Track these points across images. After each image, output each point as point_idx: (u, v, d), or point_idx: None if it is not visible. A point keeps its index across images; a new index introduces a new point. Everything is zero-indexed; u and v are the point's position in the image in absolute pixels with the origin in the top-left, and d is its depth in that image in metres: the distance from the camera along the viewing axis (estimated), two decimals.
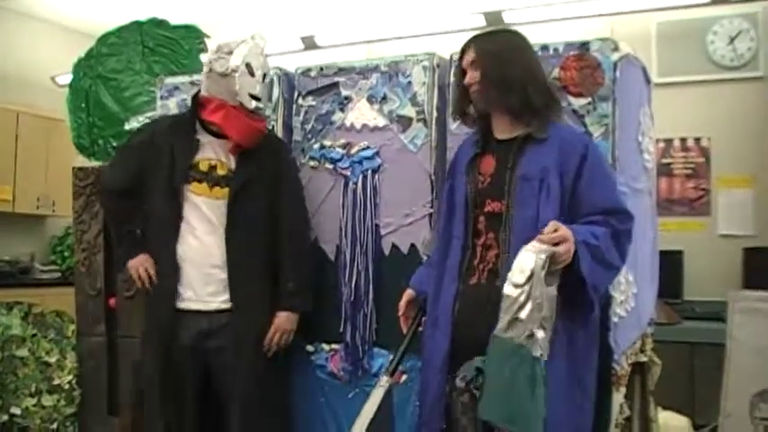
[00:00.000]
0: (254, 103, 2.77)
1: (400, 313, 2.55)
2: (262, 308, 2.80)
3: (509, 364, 1.93)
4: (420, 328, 2.50)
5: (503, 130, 2.36)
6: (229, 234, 2.77)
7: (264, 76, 2.85)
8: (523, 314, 1.91)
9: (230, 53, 2.76)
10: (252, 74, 2.77)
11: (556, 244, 2.00)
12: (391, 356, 2.78)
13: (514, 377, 1.93)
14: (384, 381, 2.37)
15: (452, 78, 2.66)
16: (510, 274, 1.97)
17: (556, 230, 2.02)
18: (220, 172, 2.81)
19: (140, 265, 2.82)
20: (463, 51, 2.41)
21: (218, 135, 2.81)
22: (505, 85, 2.28)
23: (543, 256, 1.95)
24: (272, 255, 2.85)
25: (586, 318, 2.20)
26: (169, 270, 2.78)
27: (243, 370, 2.74)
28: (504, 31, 2.52)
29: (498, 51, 2.33)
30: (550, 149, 2.24)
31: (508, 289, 1.95)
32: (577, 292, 2.09)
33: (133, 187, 2.86)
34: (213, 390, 2.81)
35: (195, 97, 2.88)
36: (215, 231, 2.78)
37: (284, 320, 2.83)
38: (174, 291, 2.76)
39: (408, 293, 2.55)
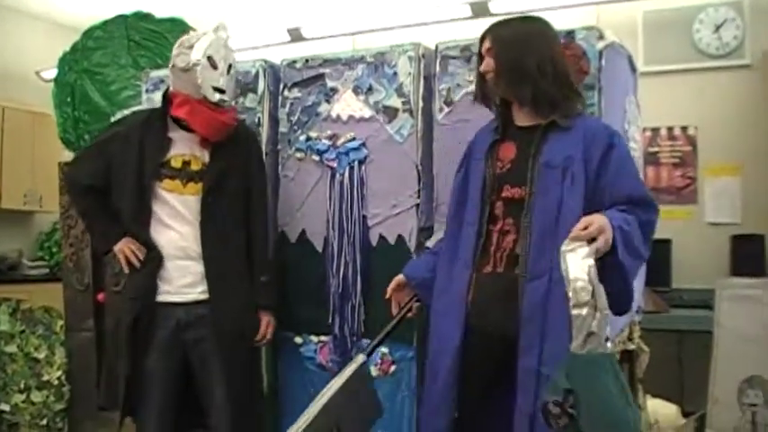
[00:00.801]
0: (217, 96, 2.76)
1: (387, 296, 2.55)
2: (239, 297, 2.80)
3: (596, 377, 1.89)
4: (410, 314, 2.50)
5: (523, 117, 2.33)
6: (204, 227, 2.76)
7: (230, 67, 2.83)
8: (596, 327, 1.88)
9: (191, 47, 2.75)
10: (214, 66, 2.75)
11: (593, 239, 1.96)
12: (381, 348, 2.81)
13: (605, 387, 1.89)
14: (359, 358, 2.35)
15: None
16: (570, 293, 1.89)
17: (587, 227, 1.97)
18: (194, 167, 2.80)
19: (125, 246, 2.79)
20: (483, 37, 2.38)
21: (189, 129, 2.80)
22: (517, 76, 2.25)
23: (591, 261, 1.91)
24: (246, 246, 2.86)
25: (624, 312, 2.15)
26: (144, 262, 2.77)
27: (224, 360, 2.74)
28: (526, 18, 2.45)
29: (513, 40, 2.29)
30: (575, 138, 2.21)
31: (575, 310, 1.89)
32: (613, 283, 2.01)
33: (100, 183, 2.83)
34: (192, 381, 2.80)
35: (165, 93, 2.87)
36: (189, 224, 2.77)
37: (268, 320, 2.86)
38: (152, 283, 2.75)
39: (398, 278, 2.54)
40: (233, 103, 2.97)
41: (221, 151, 2.82)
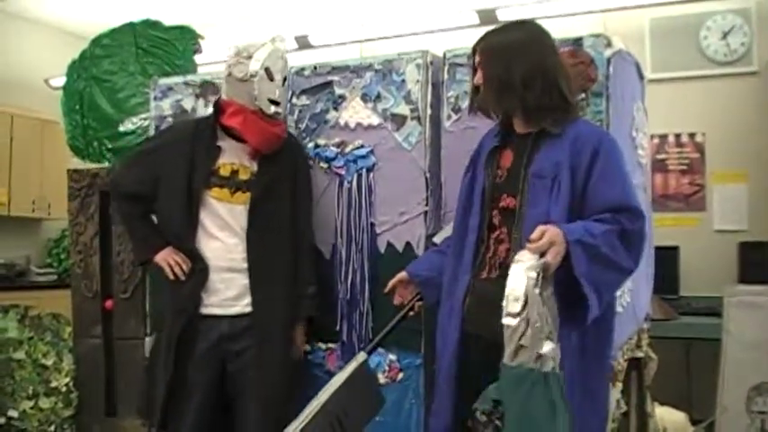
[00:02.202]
0: (272, 108, 2.76)
1: (387, 290, 2.56)
2: (283, 310, 2.80)
3: (522, 391, 1.87)
4: (412, 313, 2.50)
5: (520, 124, 2.31)
6: (250, 238, 2.75)
7: (285, 79, 2.84)
8: (526, 341, 1.85)
9: (249, 57, 2.74)
10: (271, 78, 2.75)
11: (544, 252, 1.92)
12: (389, 356, 2.81)
13: (530, 403, 1.86)
14: (360, 356, 2.37)
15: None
16: (505, 303, 1.88)
17: (542, 235, 1.93)
18: (242, 176, 2.80)
19: (169, 256, 2.78)
20: (474, 49, 2.35)
21: (239, 139, 2.79)
22: (502, 88, 2.23)
23: (533, 274, 1.87)
24: (292, 257, 2.85)
25: (589, 321, 2.07)
26: (188, 274, 2.77)
27: (267, 373, 2.72)
28: (518, 25, 2.38)
29: (499, 52, 2.25)
30: (564, 145, 2.18)
31: (506, 320, 1.87)
32: (575, 294, 2.00)
33: (145, 192, 2.84)
34: (225, 391, 2.79)
35: (217, 102, 2.86)
36: (236, 235, 2.76)
37: (301, 334, 2.88)
38: (197, 296, 2.75)
39: (401, 275, 2.55)
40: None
41: (270, 162, 2.81)
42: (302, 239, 2.88)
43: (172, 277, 2.78)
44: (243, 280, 2.75)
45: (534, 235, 1.94)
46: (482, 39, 2.34)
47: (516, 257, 1.93)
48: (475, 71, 2.34)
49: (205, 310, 2.75)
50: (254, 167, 2.81)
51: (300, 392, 3.04)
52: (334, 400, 2.23)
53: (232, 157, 2.81)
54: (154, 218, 2.93)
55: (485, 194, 2.32)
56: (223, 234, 2.77)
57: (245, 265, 2.75)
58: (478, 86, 2.32)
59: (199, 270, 2.75)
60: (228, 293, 2.75)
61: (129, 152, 3.34)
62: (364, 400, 2.38)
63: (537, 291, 1.86)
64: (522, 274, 1.87)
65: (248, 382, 2.74)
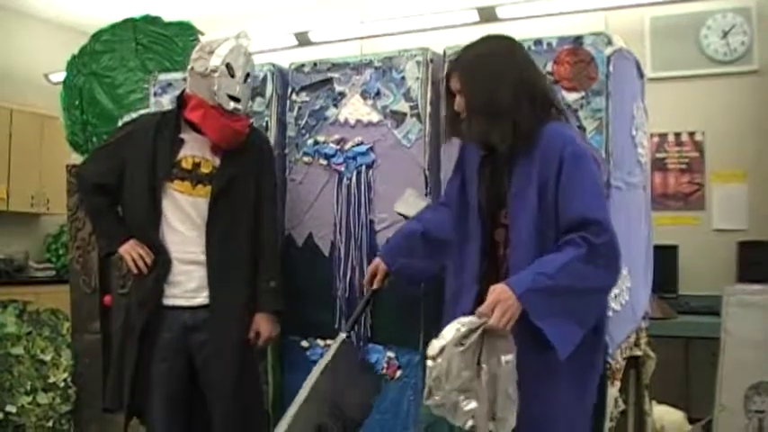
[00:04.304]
0: (232, 104, 2.75)
1: (366, 281, 2.58)
2: (240, 306, 2.80)
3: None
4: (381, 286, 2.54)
5: None
6: (210, 231, 2.76)
7: (248, 75, 2.83)
8: (436, 385, 1.92)
9: (211, 53, 2.75)
10: (232, 75, 2.75)
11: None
12: (387, 353, 2.81)
13: None
14: (340, 336, 2.41)
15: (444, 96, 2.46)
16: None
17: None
18: (204, 170, 2.80)
19: (132, 249, 2.78)
20: (449, 74, 2.29)
21: (202, 132, 2.80)
22: (493, 115, 2.14)
23: (463, 329, 1.92)
24: (252, 252, 2.85)
25: (567, 351, 2.02)
26: (151, 266, 2.78)
27: (223, 369, 2.74)
28: (489, 43, 2.29)
29: (483, 76, 2.18)
30: (535, 158, 2.13)
31: (427, 360, 1.95)
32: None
33: (110, 183, 2.84)
34: (198, 383, 2.81)
35: (180, 95, 2.87)
36: (196, 228, 2.77)
37: (266, 323, 2.82)
38: (160, 288, 2.76)
39: (381, 268, 2.55)
40: (252, 109, 2.97)
41: (232, 157, 2.81)
42: (264, 236, 2.87)
43: (135, 271, 2.79)
44: (202, 272, 2.76)
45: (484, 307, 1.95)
46: (458, 63, 2.28)
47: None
48: (452, 95, 2.28)
49: (168, 302, 2.76)
50: (217, 162, 2.81)
51: (299, 388, 3.05)
52: (322, 385, 2.23)
53: (194, 150, 2.81)
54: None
55: (481, 208, 2.29)
56: (184, 227, 2.78)
57: (204, 258, 2.76)
58: (458, 113, 2.26)
59: (161, 262, 2.76)
60: (189, 285, 2.76)
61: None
62: (358, 379, 2.38)
63: (458, 348, 1.91)
64: (456, 325, 1.94)
65: (210, 375, 2.76)
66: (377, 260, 2.59)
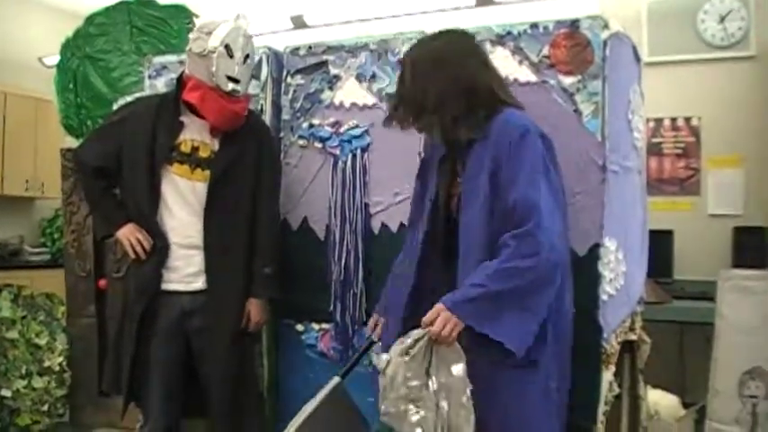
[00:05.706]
0: (230, 86, 2.73)
1: (373, 335, 2.56)
2: (237, 291, 2.80)
3: None
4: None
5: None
6: (208, 216, 2.75)
7: (247, 57, 2.80)
8: (385, 395, 1.97)
9: (209, 34, 2.73)
10: (231, 56, 2.73)
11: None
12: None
13: None
14: (334, 380, 2.37)
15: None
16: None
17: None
18: (203, 154, 2.79)
19: (131, 233, 2.77)
20: (402, 60, 2.34)
21: (201, 116, 2.78)
22: (418, 109, 2.21)
23: (408, 341, 1.97)
24: (250, 238, 2.84)
25: (526, 342, 2.03)
26: (150, 252, 2.77)
27: (218, 352, 2.75)
28: (439, 37, 2.32)
29: (419, 71, 2.22)
30: (488, 145, 2.14)
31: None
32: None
33: (109, 166, 2.82)
34: (195, 366, 2.82)
35: (180, 77, 2.85)
36: (195, 213, 2.76)
37: (257, 308, 2.82)
38: (159, 274, 2.75)
39: (382, 322, 2.54)
40: (250, 91, 2.94)
41: (231, 141, 2.80)
42: (263, 220, 2.86)
43: (133, 256, 2.78)
44: (202, 257, 2.76)
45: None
46: (408, 52, 2.32)
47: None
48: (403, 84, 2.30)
49: (166, 286, 2.76)
50: (215, 146, 2.80)
51: (294, 372, 3.05)
52: (310, 427, 2.21)
53: (193, 134, 2.80)
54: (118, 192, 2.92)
55: (436, 199, 2.31)
56: (183, 211, 2.77)
57: (202, 243, 2.75)
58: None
59: (160, 248, 2.75)
60: (188, 270, 2.76)
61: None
62: (347, 424, 2.37)
63: (403, 358, 1.96)
64: (399, 341, 2.01)
65: (207, 359, 2.77)
66: (375, 316, 2.58)
